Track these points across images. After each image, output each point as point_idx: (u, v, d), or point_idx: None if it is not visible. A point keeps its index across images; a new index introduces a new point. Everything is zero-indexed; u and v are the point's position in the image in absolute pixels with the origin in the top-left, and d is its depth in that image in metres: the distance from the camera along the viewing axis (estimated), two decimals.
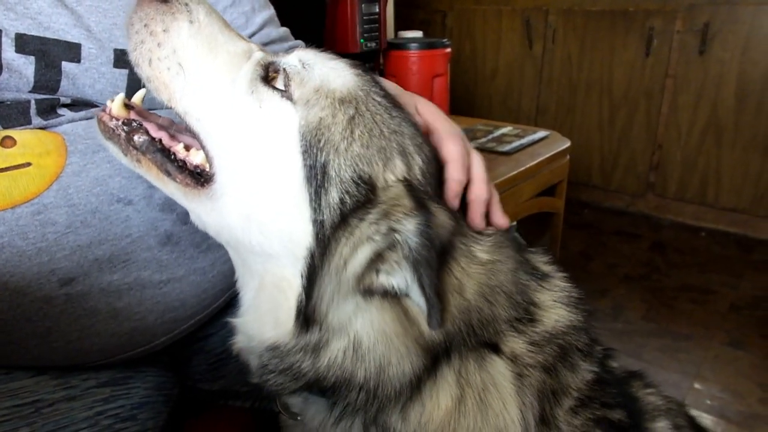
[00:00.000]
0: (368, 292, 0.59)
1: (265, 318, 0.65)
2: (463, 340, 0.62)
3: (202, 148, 0.63)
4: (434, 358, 0.62)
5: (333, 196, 0.58)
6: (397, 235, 0.58)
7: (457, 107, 3.18)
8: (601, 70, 3.43)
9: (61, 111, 0.71)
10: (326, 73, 0.63)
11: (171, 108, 0.63)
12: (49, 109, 0.70)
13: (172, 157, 0.65)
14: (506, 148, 2.02)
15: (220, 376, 0.99)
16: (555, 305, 0.70)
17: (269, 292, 0.64)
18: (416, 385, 0.61)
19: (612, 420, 0.70)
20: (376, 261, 0.59)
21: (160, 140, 0.65)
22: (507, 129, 2.32)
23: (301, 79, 0.62)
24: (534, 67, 3.72)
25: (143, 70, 0.62)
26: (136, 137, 0.65)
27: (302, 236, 0.59)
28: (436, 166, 0.67)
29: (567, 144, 2.12)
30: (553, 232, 2.27)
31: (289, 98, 0.61)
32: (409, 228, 0.57)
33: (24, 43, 0.67)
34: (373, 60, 2.28)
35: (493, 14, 3.80)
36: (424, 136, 0.68)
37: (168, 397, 0.85)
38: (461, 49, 3.96)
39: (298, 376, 0.62)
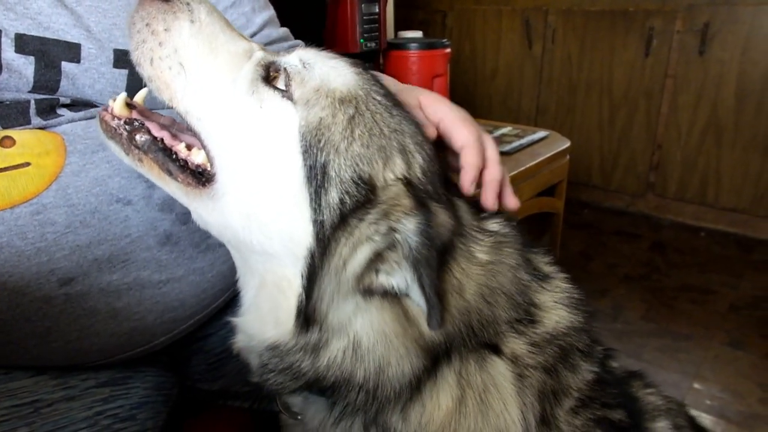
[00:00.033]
0: (368, 293, 0.59)
1: (265, 317, 0.65)
2: (463, 341, 0.62)
3: (204, 147, 0.63)
4: (434, 358, 0.62)
5: (333, 196, 0.58)
6: (397, 235, 0.57)
7: None
8: (600, 70, 3.44)
9: (61, 111, 0.71)
10: (326, 72, 0.63)
11: (172, 108, 0.63)
12: (48, 109, 0.70)
13: (174, 156, 0.65)
14: (506, 148, 2.02)
15: (219, 376, 0.99)
16: (556, 306, 0.70)
17: (270, 292, 0.64)
18: (416, 386, 0.61)
19: (612, 420, 0.70)
20: (376, 261, 0.59)
21: (162, 140, 0.65)
22: (507, 129, 2.32)
23: (301, 78, 0.62)
24: (534, 67, 3.72)
25: (145, 70, 0.62)
26: (137, 136, 0.64)
27: (302, 236, 0.59)
28: (439, 163, 0.67)
29: (567, 144, 2.12)
30: (552, 232, 2.27)
31: (290, 98, 0.61)
32: (409, 227, 0.57)
33: (24, 43, 0.67)
34: (372, 60, 2.28)
35: (493, 14, 3.80)
36: (426, 135, 0.68)
37: (167, 397, 0.85)
38: (461, 49, 3.96)
39: (298, 375, 0.62)
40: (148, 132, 0.65)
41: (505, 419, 0.62)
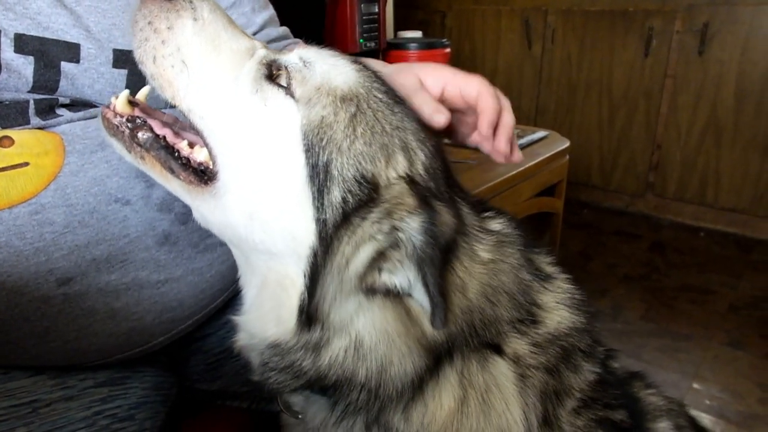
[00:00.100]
0: (370, 291, 0.59)
1: (267, 316, 0.65)
2: (466, 340, 0.62)
3: (206, 145, 0.63)
4: (436, 358, 0.61)
5: (335, 195, 0.58)
6: (400, 234, 0.57)
7: None
8: (600, 70, 3.44)
9: (60, 111, 0.71)
10: (327, 70, 0.63)
11: (175, 106, 0.63)
12: (47, 109, 0.69)
13: (176, 154, 0.64)
14: None
15: (218, 376, 0.99)
16: (558, 307, 0.70)
17: (272, 290, 0.64)
18: (418, 386, 0.61)
19: (614, 420, 0.69)
20: (379, 260, 0.59)
21: (164, 137, 0.65)
22: None
23: (302, 77, 0.62)
24: (533, 67, 3.72)
25: (147, 68, 0.62)
26: (140, 134, 0.64)
27: (305, 235, 0.59)
28: (441, 159, 0.67)
29: (566, 144, 2.12)
30: (552, 232, 2.27)
31: (291, 96, 0.61)
32: (413, 226, 0.56)
33: (23, 43, 0.67)
34: None
35: (493, 14, 3.80)
36: (429, 133, 0.68)
37: (166, 397, 0.85)
38: (460, 50, 3.97)
39: (299, 374, 0.62)
40: (151, 130, 0.65)
41: (507, 419, 0.62)
